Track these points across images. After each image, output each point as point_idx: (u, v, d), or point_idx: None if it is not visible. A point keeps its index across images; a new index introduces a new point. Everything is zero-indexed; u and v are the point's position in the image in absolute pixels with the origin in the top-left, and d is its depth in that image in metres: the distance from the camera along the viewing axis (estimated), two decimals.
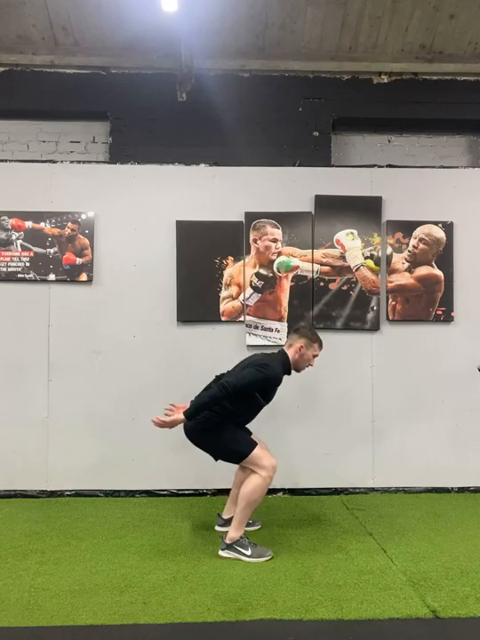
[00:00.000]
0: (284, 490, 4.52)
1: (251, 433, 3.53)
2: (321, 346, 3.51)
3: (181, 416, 3.18)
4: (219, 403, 3.19)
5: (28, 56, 4.92)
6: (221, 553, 3.23)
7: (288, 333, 4.47)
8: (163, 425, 3.20)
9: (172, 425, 3.21)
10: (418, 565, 3.12)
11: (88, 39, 4.87)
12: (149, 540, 3.51)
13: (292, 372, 3.48)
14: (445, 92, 5.10)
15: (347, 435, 4.56)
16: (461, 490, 4.57)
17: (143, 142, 4.94)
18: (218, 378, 3.54)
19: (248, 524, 3.47)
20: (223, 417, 3.26)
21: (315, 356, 3.50)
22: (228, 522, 3.56)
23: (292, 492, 4.52)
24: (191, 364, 4.52)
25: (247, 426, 3.52)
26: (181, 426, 3.28)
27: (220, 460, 3.39)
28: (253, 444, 3.27)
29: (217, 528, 3.68)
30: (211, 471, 4.46)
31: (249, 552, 3.17)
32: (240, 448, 3.25)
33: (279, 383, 3.38)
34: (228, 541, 3.23)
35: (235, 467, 3.54)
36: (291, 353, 3.45)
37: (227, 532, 3.31)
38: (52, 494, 4.45)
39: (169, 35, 4.62)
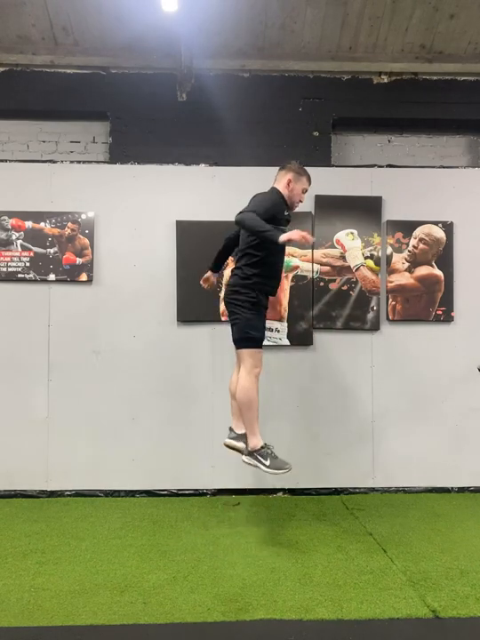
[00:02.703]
0: (283, 490, 4.52)
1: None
2: (309, 180, 3.56)
3: (283, 236, 3.12)
4: (255, 220, 3.18)
5: (27, 56, 4.92)
6: (243, 458, 3.37)
7: (288, 334, 4.48)
8: (301, 238, 3.17)
9: (300, 235, 3.15)
10: (418, 565, 3.12)
11: (88, 39, 4.86)
12: (149, 540, 3.51)
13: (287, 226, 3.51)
14: (445, 92, 5.09)
15: (347, 435, 4.56)
16: (461, 490, 4.57)
17: (143, 142, 4.94)
18: (236, 252, 3.61)
19: (280, 467, 3.37)
20: (256, 283, 3.36)
21: (304, 189, 3.55)
22: (239, 437, 3.57)
23: (292, 492, 4.52)
24: (191, 364, 4.52)
25: None
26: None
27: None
28: (260, 342, 3.40)
29: (226, 440, 3.63)
30: (211, 471, 4.47)
31: (268, 462, 3.27)
32: (251, 334, 3.36)
33: (283, 211, 3.42)
34: (250, 448, 3.34)
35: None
36: (280, 187, 3.50)
37: (235, 446, 3.45)
38: (52, 494, 4.45)
39: (169, 35, 4.62)
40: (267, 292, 3.49)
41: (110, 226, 4.56)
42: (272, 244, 3.23)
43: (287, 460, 4.38)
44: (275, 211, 3.35)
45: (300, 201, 3.59)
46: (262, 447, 3.31)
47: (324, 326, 4.56)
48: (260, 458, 3.28)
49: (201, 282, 3.91)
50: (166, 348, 4.53)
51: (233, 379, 3.65)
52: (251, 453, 3.33)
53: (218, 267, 3.91)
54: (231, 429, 3.70)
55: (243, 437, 3.49)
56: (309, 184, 3.56)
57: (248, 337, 3.38)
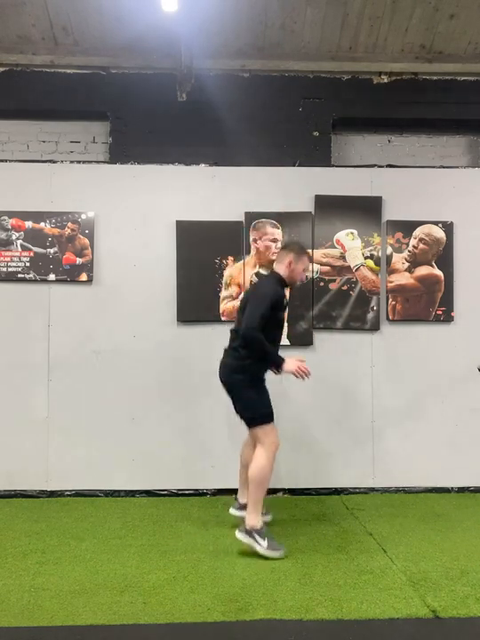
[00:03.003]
0: (283, 490, 4.52)
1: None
2: (311, 259, 3.65)
3: (286, 363, 3.30)
4: (261, 339, 3.24)
5: (27, 56, 4.92)
6: (238, 534, 3.27)
7: (288, 334, 4.48)
8: (302, 373, 3.35)
9: (301, 368, 3.34)
10: (418, 565, 3.12)
11: (88, 39, 4.86)
12: (149, 540, 3.51)
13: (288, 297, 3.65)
14: (445, 92, 5.09)
15: (347, 435, 4.56)
16: (461, 490, 4.57)
17: (143, 142, 4.94)
18: (232, 331, 3.59)
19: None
20: (253, 362, 3.34)
21: (305, 269, 3.57)
22: (243, 506, 3.58)
23: (292, 491, 4.52)
24: (191, 363, 4.52)
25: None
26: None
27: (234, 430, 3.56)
28: (271, 416, 3.35)
29: (231, 510, 3.70)
30: (211, 471, 4.47)
31: (265, 544, 3.20)
32: (258, 411, 3.33)
33: (283, 297, 3.47)
34: (247, 527, 3.26)
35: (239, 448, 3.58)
36: (281, 269, 3.51)
37: (242, 516, 3.37)
38: (52, 494, 4.45)
39: (169, 35, 4.61)
40: (262, 372, 3.45)
41: (110, 226, 4.56)
42: (274, 366, 3.34)
43: (287, 460, 4.42)
44: (276, 304, 3.37)
45: (302, 280, 3.65)
46: (261, 528, 3.25)
47: (324, 326, 4.56)
48: (257, 537, 3.21)
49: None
50: (166, 348, 4.53)
51: (246, 450, 3.64)
52: (248, 531, 3.24)
53: None
54: (236, 499, 3.74)
55: (245, 507, 3.47)
56: (310, 262, 3.62)
57: (256, 415, 3.34)
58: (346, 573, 3.00)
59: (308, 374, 3.35)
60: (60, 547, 3.41)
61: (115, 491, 4.47)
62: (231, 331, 3.59)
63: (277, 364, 3.33)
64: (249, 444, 3.60)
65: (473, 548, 3.40)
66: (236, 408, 3.45)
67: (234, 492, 4.37)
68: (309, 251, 4.55)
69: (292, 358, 3.35)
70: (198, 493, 4.49)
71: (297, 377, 3.35)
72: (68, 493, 4.45)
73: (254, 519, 3.27)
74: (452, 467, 4.56)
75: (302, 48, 4.96)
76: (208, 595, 2.74)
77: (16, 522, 3.88)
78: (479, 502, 4.33)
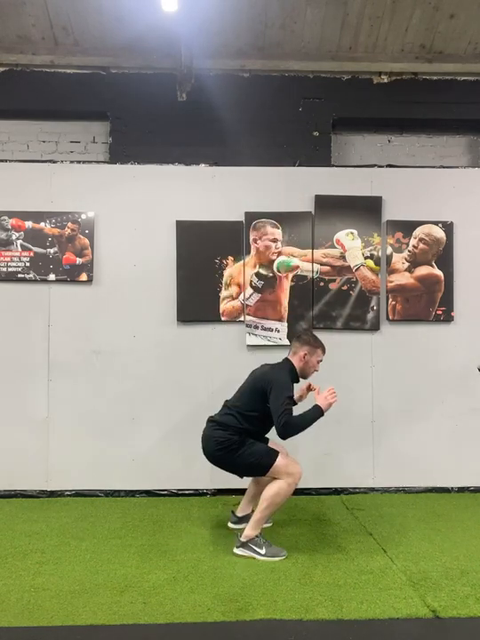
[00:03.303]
0: None
1: (268, 440, 3.53)
2: (324, 351, 3.51)
3: (321, 407, 3.25)
4: (301, 426, 3.21)
5: (27, 56, 4.92)
6: (236, 550, 3.24)
7: (288, 334, 4.48)
8: (333, 398, 3.29)
9: (333, 397, 3.28)
10: (418, 565, 3.12)
11: (88, 39, 4.86)
12: (149, 540, 3.51)
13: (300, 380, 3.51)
14: (445, 92, 5.09)
15: (347, 435, 4.56)
16: (461, 490, 4.57)
17: (143, 142, 4.94)
18: (226, 406, 3.53)
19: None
20: (244, 436, 3.31)
21: (319, 361, 3.50)
22: (241, 519, 3.58)
23: (293, 492, 4.51)
24: (191, 364, 4.52)
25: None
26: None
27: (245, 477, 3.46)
28: (275, 454, 3.27)
29: (229, 524, 3.69)
30: (211, 471, 4.46)
31: (263, 551, 3.19)
32: (262, 461, 3.25)
33: (291, 390, 3.38)
34: (243, 539, 3.24)
35: None
36: (295, 361, 3.46)
37: (241, 529, 3.34)
38: (52, 494, 4.45)
39: (169, 35, 4.61)
40: (257, 437, 3.40)
41: (110, 226, 4.56)
42: (307, 423, 3.25)
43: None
44: (292, 389, 3.34)
45: (316, 370, 3.54)
46: (257, 536, 3.24)
47: (324, 326, 4.55)
48: (254, 547, 3.19)
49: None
50: (166, 348, 4.53)
51: None
52: (244, 544, 3.21)
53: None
54: (233, 513, 3.71)
55: (244, 520, 3.49)
56: (324, 354, 3.51)
57: (261, 465, 3.26)
58: (346, 573, 3.00)
59: (335, 395, 3.29)
60: (60, 547, 3.41)
61: (115, 491, 4.47)
62: (225, 404, 3.53)
63: (320, 415, 3.25)
64: None
65: (473, 547, 3.40)
66: (240, 474, 3.40)
67: (234, 492, 4.38)
68: (309, 251, 4.56)
69: (319, 397, 3.28)
70: (198, 493, 4.49)
71: (333, 404, 3.29)
72: (68, 493, 4.45)
73: (251, 531, 3.25)
74: (451, 467, 4.56)
75: (302, 48, 4.96)
76: (208, 595, 2.74)
77: (16, 522, 3.88)
78: (479, 502, 4.33)
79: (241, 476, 3.42)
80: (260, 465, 3.26)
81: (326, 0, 4.62)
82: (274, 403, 3.24)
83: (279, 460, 3.24)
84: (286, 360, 3.49)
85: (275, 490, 3.22)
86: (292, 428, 3.18)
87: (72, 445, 4.45)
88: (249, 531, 3.26)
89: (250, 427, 3.34)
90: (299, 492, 4.49)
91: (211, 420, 3.49)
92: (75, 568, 3.08)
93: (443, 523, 3.85)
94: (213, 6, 4.55)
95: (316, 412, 3.23)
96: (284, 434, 3.18)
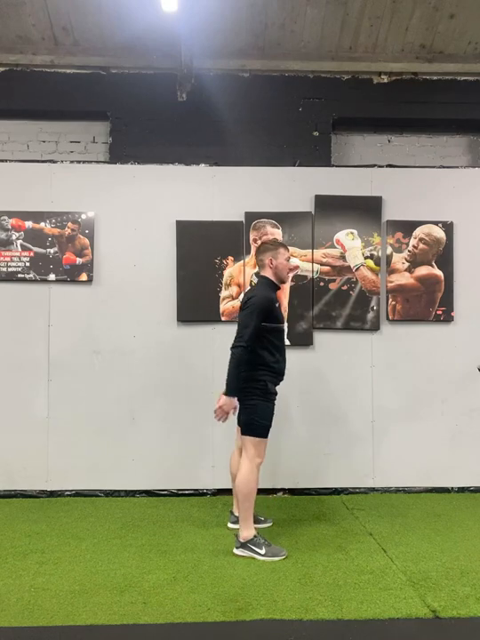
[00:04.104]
0: (284, 490, 4.53)
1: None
2: (286, 248, 3.53)
3: (224, 397, 3.24)
4: (242, 361, 3.22)
5: (27, 56, 4.92)
6: (236, 551, 3.25)
7: (288, 334, 4.47)
8: (221, 415, 3.26)
9: (226, 410, 3.25)
10: (418, 565, 3.12)
11: (88, 39, 4.86)
12: (149, 540, 3.51)
13: (284, 295, 3.62)
14: (445, 92, 5.09)
15: (347, 435, 4.56)
16: (461, 490, 4.57)
17: (143, 142, 4.94)
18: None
19: (259, 522, 3.53)
20: (266, 371, 3.32)
21: (287, 259, 3.51)
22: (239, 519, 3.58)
23: (292, 491, 4.52)
24: (191, 364, 4.52)
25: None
26: None
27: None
28: (266, 432, 3.32)
29: (229, 525, 3.70)
30: (211, 471, 4.47)
31: (263, 551, 3.19)
32: (259, 422, 3.29)
33: (275, 301, 3.39)
34: (242, 540, 3.25)
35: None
36: (267, 272, 3.47)
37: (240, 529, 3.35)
38: (52, 494, 4.45)
39: (169, 35, 4.61)
40: (274, 386, 3.41)
41: (110, 226, 4.56)
42: (228, 383, 3.25)
43: (287, 460, 4.42)
44: (267, 310, 3.30)
45: (291, 270, 3.56)
46: (255, 536, 3.25)
47: (324, 326, 4.55)
48: (253, 548, 3.20)
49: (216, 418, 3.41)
50: (166, 348, 4.53)
51: (234, 460, 3.63)
52: (243, 545, 3.22)
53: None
54: (231, 513, 3.74)
55: None
56: (288, 251, 3.51)
57: (254, 424, 3.30)
58: (346, 573, 3.00)
59: (220, 419, 3.29)
60: (60, 547, 3.41)
61: (115, 491, 4.47)
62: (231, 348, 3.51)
63: (227, 391, 3.24)
64: (236, 454, 3.60)
65: (473, 547, 3.40)
66: (239, 420, 3.41)
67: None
68: (309, 251, 4.56)
69: (232, 401, 3.25)
70: (198, 493, 4.49)
71: (216, 415, 3.28)
72: (68, 493, 4.45)
73: (247, 530, 3.26)
74: (451, 467, 4.56)
75: (302, 48, 4.96)
76: (208, 595, 2.74)
77: (16, 522, 3.88)
78: (479, 502, 4.33)
79: (239, 420, 3.39)
80: (253, 420, 3.30)
81: (326, 0, 4.62)
82: (241, 321, 3.30)
83: (264, 440, 3.32)
84: (260, 276, 3.52)
85: (243, 480, 3.27)
86: (234, 357, 3.22)
87: (72, 445, 4.45)
88: (244, 531, 3.27)
89: (265, 351, 3.32)
90: (299, 492, 4.51)
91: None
92: (75, 568, 3.08)
93: (443, 523, 3.85)
94: (213, 6, 4.55)
95: (231, 391, 3.24)
96: (231, 357, 3.23)
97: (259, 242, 4.41)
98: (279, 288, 3.52)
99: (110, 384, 4.50)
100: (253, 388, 3.31)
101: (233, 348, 3.25)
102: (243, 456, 3.35)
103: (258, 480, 3.32)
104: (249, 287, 4.52)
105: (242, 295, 4.52)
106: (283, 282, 3.53)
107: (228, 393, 3.24)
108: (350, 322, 4.57)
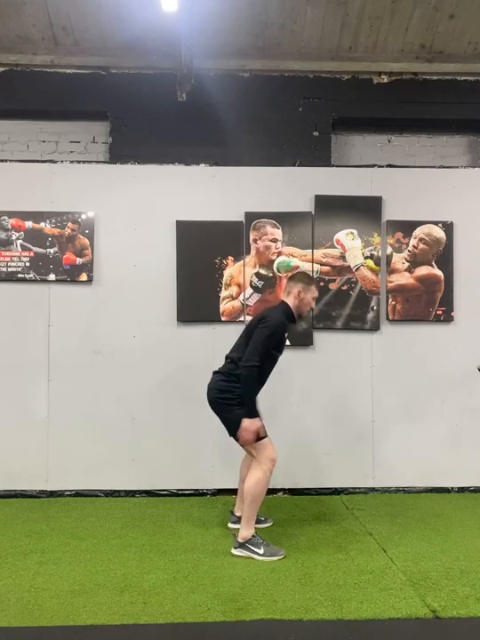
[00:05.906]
0: (284, 490, 4.53)
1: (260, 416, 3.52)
2: (317, 287, 3.57)
3: (246, 420, 3.21)
4: (255, 380, 3.24)
5: (27, 56, 4.92)
6: (234, 551, 3.25)
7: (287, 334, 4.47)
8: (248, 437, 3.23)
9: (253, 430, 3.21)
10: (418, 565, 3.12)
11: (88, 39, 4.86)
12: (149, 540, 3.51)
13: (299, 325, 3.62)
14: (445, 92, 5.09)
15: (347, 435, 4.56)
16: (461, 490, 4.57)
17: (143, 142, 4.93)
18: (227, 358, 3.54)
19: (259, 521, 3.54)
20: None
21: (314, 297, 3.54)
22: (240, 519, 3.57)
23: (292, 491, 4.52)
24: (191, 364, 4.52)
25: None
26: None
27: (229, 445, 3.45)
28: (263, 432, 3.30)
29: (230, 525, 3.71)
30: (211, 471, 4.47)
31: (261, 551, 3.20)
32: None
33: (286, 330, 3.41)
34: (240, 540, 3.25)
35: (239, 448, 3.57)
36: (290, 300, 3.47)
37: (239, 529, 3.34)
38: (52, 494, 4.45)
39: (169, 35, 4.61)
40: (259, 381, 3.39)
41: (110, 226, 4.56)
42: (246, 405, 3.24)
43: (287, 460, 4.41)
44: (280, 336, 3.34)
45: (311, 308, 3.60)
46: (253, 536, 3.25)
47: (323, 326, 4.56)
48: (251, 547, 3.20)
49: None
50: (166, 348, 4.53)
51: (244, 463, 3.64)
52: (242, 545, 3.22)
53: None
54: (232, 513, 3.74)
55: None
56: (317, 291, 3.55)
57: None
58: (346, 573, 3.00)
59: (248, 443, 3.27)
60: (60, 547, 3.41)
61: (115, 491, 4.47)
62: (226, 356, 3.52)
63: (247, 414, 3.22)
64: (247, 458, 3.59)
65: (473, 547, 3.40)
66: (228, 430, 3.37)
67: (234, 492, 4.37)
68: (309, 251, 4.56)
69: (257, 422, 3.24)
70: (198, 493, 4.49)
71: (240, 439, 3.26)
72: (68, 493, 4.45)
73: (247, 531, 3.27)
74: (452, 467, 4.56)
75: (302, 48, 4.96)
76: (208, 595, 2.74)
77: (16, 522, 3.88)
78: (479, 502, 4.33)
79: (230, 434, 3.36)
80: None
81: (326, 0, 4.62)
82: (256, 339, 3.26)
83: (266, 440, 3.29)
84: (281, 302, 3.51)
85: (252, 481, 3.25)
86: (249, 379, 3.22)
87: (72, 445, 4.45)
88: (244, 531, 3.27)
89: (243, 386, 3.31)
90: (299, 491, 4.51)
91: (215, 373, 3.52)
92: (75, 568, 3.08)
93: (443, 523, 3.85)
94: (213, 6, 4.54)
95: (250, 413, 3.22)
96: (243, 374, 3.22)
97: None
98: (294, 321, 3.51)
99: (110, 384, 4.50)
100: (229, 399, 3.31)
101: (244, 366, 3.22)
102: (253, 463, 3.33)
103: (268, 484, 3.31)
104: (249, 287, 4.53)
105: (242, 296, 4.53)
106: (300, 316, 3.54)
107: (250, 414, 3.22)
108: (350, 322, 4.57)
